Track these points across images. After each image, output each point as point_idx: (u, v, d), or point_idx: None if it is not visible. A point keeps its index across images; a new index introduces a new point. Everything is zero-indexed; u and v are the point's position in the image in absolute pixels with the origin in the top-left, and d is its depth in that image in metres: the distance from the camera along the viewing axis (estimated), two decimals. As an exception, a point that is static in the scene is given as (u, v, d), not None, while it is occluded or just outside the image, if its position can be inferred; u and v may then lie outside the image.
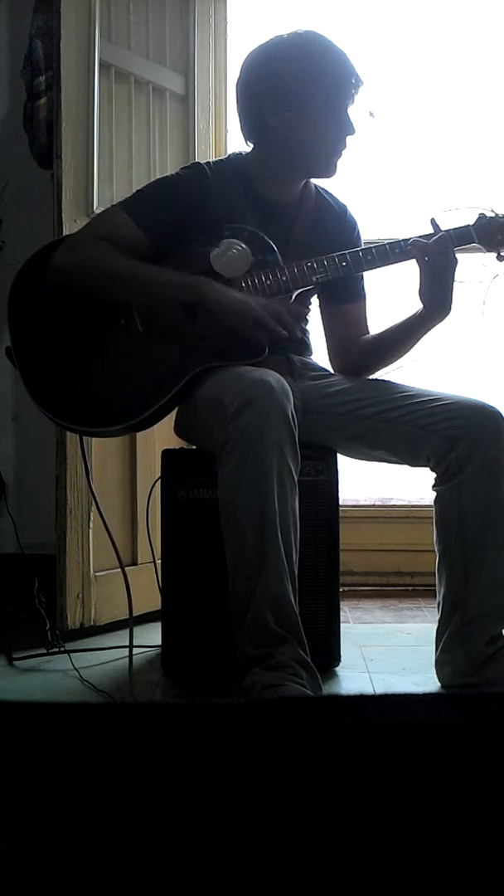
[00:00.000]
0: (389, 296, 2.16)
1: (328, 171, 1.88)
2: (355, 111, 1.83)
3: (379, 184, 2.74)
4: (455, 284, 1.78)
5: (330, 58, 1.80)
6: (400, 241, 1.80)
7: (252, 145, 1.90)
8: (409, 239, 1.79)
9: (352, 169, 1.88)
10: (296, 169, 1.89)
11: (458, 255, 1.78)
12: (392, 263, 1.82)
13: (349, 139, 1.84)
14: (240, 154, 1.94)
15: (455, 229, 1.79)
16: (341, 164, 1.87)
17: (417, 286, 1.79)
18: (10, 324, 1.85)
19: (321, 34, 1.82)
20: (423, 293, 1.79)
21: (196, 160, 2.29)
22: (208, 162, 1.92)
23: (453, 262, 1.77)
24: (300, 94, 1.78)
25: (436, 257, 1.76)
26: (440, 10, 2.82)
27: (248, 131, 1.88)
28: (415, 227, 1.86)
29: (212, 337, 1.81)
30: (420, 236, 1.79)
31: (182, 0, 2.50)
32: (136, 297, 1.82)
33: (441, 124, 2.84)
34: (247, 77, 1.84)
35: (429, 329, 1.84)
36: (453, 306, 1.79)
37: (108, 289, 1.81)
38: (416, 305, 1.82)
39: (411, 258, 1.78)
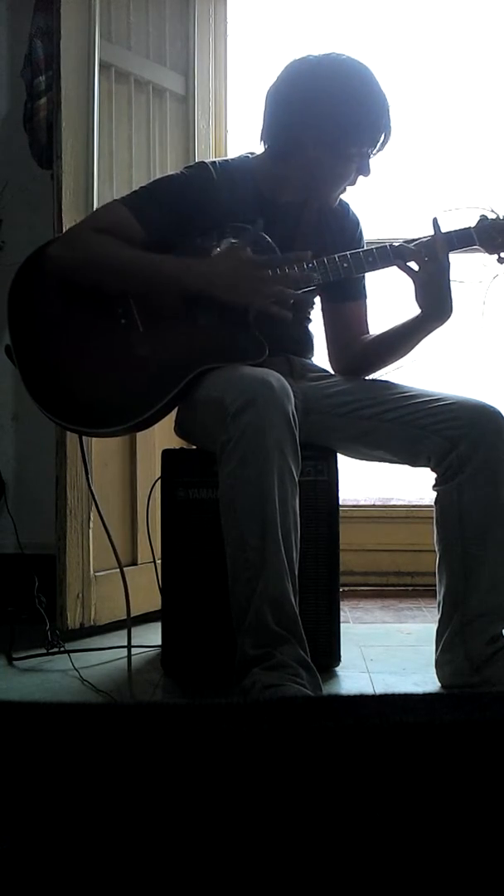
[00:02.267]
0: (390, 296, 2.16)
1: (332, 202, 1.91)
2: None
3: (381, 183, 2.74)
4: (452, 286, 1.78)
5: (377, 108, 1.79)
6: (400, 243, 1.80)
7: (266, 146, 1.88)
8: (412, 241, 1.79)
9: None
10: (305, 189, 1.89)
11: (458, 255, 1.78)
12: (393, 265, 1.81)
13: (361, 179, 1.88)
14: (248, 156, 1.93)
15: (456, 231, 1.78)
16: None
17: (413, 292, 1.79)
18: (10, 322, 1.85)
19: (371, 73, 1.80)
20: (420, 299, 1.79)
21: (199, 159, 2.29)
22: (214, 161, 1.91)
23: (446, 266, 1.76)
24: (341, 139, 1.79)
25: (425, 262, 1.76)
26: (441, 10, 2.82)
27: (272, 140, 1.86)
28: (416, 227, 1.86)
29: (212, 337, 1.81)
30: (422, 238, 1.78)
31: (182, 0, 2.50)
32: (137, 286, 1.81)
33: (443, 124, 2.84)
34: (291, 95, 1.81)
35: (429, 332, 1.84)
36: (453, 307, 1.79)
37: (106, 279, 1.80)
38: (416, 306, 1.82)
39: (409, 260, 1.78)
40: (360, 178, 1.88)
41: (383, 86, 1.80)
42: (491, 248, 1.80)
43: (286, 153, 1.85)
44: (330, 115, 1.77)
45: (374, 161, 1.86)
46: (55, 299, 1.84)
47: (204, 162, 1.93)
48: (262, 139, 1.89)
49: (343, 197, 1.98)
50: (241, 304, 1.77)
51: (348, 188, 1.91)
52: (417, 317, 1.82)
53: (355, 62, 1.81)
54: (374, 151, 1.83)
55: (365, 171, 1.85)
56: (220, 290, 1.77)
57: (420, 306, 1.80)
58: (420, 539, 2.30)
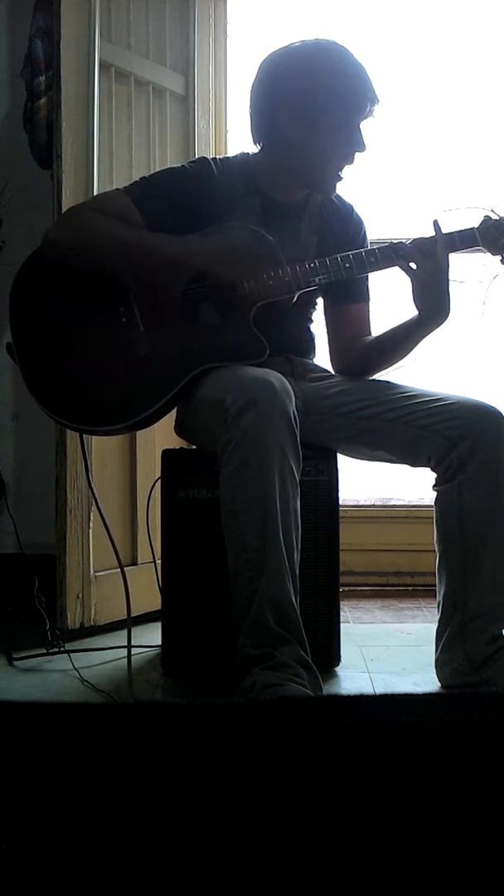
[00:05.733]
0: (392, 296, 2.16)
1: (329, 190, 1.88)
2: (367, 126, 1.81)
3: (381, 183, 2.74)
4: (451, 286, 1.77)
5: (350, 74, 1.77)
6: (403, 242, 1.80)
7: (260, 146, 1.88)
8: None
9: (354, 168, 1.88)
10: (298, 181, 1.88)
11: (459, 255, 1.78)
12: (395, 265, 1.81)
13: (358, 155, 1.83)
14: (247, 154, 1.93)
15: (459, 232, 1.77)
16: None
17: (410, 292, 1.79)
18: (12, 320, 1.84)
19: (342, 46, 1.79)
20: (417, 299, 1.78)
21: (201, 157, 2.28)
22: (215, 158, 1.91)
23: (444, 266, 1.75)
24: (316, 112, 1.77)
25: (423, 261, 1.75)
26: (441, 9, 2.83)
27: (259, 134, 1.86)
28: (417, 227, 1.86)
29: (213, 336, 1.81)
30: (424, 238, 1.78)
31: (182, 0, 2.50)
32: (135, 263, 1.79)
33: (443, 123, 2.84)
34: (264, 82, 1.82)
35: (428, 333, 1.83)
36: (451, 309, 1.77)
37: (105, 255, 1.79)
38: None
39: (411, 260, 1.78)
40: (358, 155, 1.82)
41: (361, 59, 1.77)
42: (494, 249, 1.79)
43: (272, 143, 1.84)
44: (295, 90, 1.77)
45: (369, 137, 1.81)
46: (56, 297, 1.84)
47: (205, 157, 1.93)
48: (253, 140, 1.89)
49: (346, 198, 1.98)
50: (240, 282, 1.76)
51: (348, 174, 1.86)
52: (414, 318, 1.82)
53: (324, 41, 1.80)
54: (357, 119, 1.79)
55: (359, 145, 1.81)
56: (221, 268, 1.76)
57: (417, 307, 1.79)
58: (420, 539, 2.30)
